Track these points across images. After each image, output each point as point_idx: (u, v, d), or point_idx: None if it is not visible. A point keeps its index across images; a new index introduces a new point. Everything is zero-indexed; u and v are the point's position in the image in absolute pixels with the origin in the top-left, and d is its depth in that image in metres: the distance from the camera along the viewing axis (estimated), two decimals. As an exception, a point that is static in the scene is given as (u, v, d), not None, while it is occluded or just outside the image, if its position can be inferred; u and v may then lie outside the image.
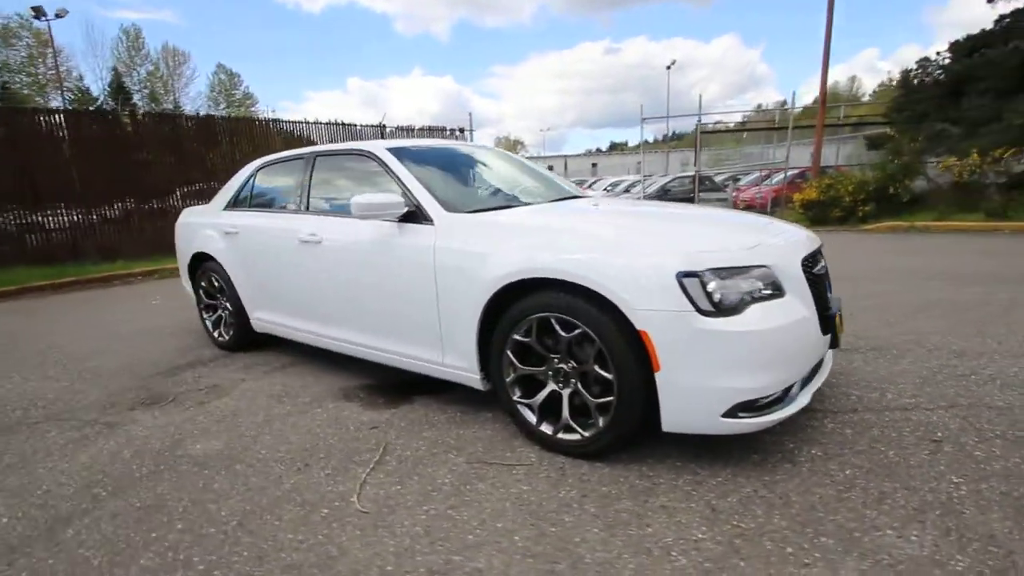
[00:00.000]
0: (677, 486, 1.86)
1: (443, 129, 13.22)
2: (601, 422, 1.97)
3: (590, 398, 1.99)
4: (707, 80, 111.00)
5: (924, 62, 11.29)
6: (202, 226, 3.83)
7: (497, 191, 3.00)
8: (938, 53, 11.01)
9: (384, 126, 12.18)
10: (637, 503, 1.78)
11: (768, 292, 1.87)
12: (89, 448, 2.42)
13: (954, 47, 10.65)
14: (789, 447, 2.07)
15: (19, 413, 2.89)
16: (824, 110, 12.03)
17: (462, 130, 13.49)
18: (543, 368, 2.13)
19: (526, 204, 2.76)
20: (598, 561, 1.52)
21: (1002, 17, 10.24)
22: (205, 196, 9.99)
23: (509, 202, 2.78)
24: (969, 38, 10.30)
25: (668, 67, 39.35)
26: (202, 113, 11.14)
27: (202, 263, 3.84)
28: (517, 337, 2.12)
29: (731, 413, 1.78)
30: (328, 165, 3.13)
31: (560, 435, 2.09)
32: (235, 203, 3.67)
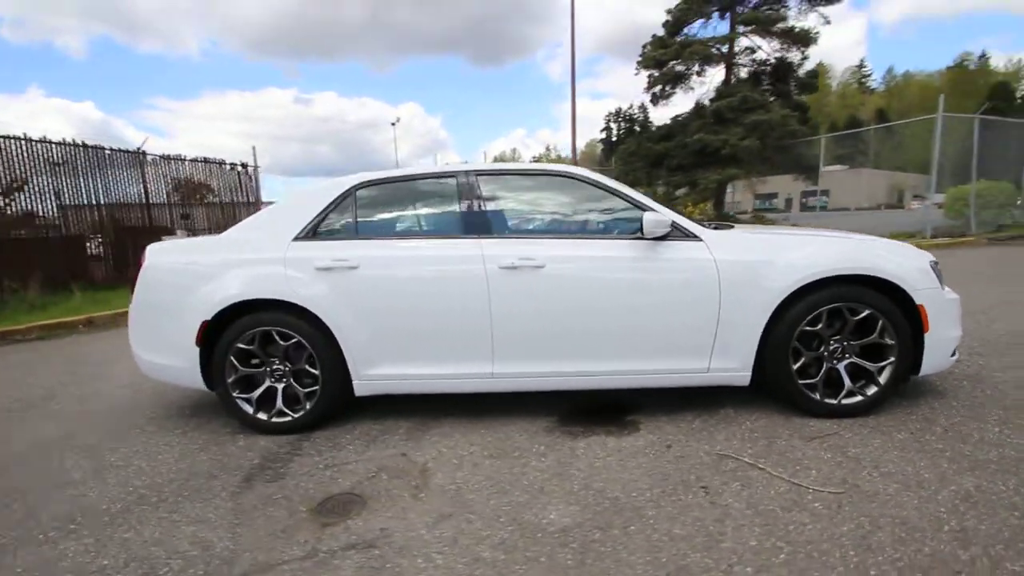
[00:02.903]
0: (956, 409, 2.63)
1: (221, 163, 11.05)
2: (882, 380, 2.60)
3: (870, 365, 2.60)
4: (400, 139, 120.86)
5: (639, 138, 15.77)
6: (245, 264, 2.71)
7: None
8: (641, 135, 15.63)
9: (144, 152, 9.47)
10: (947, 434, 2.45)
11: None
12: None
13: (649, 135, 15.30)
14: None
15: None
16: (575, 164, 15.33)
17: (244, 165, 11.54)
18: (820, 351, 2.62)
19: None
20: (999, 458, 2.16)
21: (617, 112, 15.70)
22: None
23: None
24: (660, 127, 15.05)
25: (393, 123, 42.77)
26: None
27: (239, 318, 2.69)
28: (805, 328, 2.57)
29: (952, 354, 2.69)
30: (504, 186, 2.82)
31: (844, 401, 2.61)
32: (315, 232, 2.77)
